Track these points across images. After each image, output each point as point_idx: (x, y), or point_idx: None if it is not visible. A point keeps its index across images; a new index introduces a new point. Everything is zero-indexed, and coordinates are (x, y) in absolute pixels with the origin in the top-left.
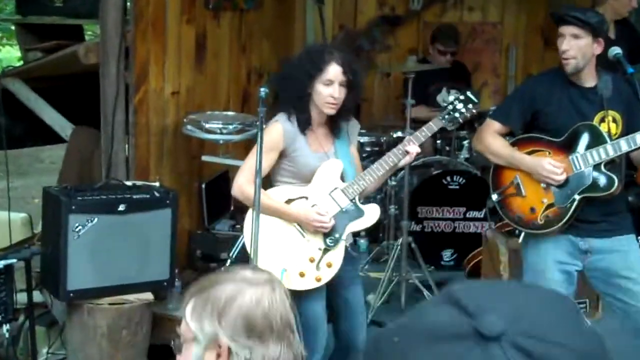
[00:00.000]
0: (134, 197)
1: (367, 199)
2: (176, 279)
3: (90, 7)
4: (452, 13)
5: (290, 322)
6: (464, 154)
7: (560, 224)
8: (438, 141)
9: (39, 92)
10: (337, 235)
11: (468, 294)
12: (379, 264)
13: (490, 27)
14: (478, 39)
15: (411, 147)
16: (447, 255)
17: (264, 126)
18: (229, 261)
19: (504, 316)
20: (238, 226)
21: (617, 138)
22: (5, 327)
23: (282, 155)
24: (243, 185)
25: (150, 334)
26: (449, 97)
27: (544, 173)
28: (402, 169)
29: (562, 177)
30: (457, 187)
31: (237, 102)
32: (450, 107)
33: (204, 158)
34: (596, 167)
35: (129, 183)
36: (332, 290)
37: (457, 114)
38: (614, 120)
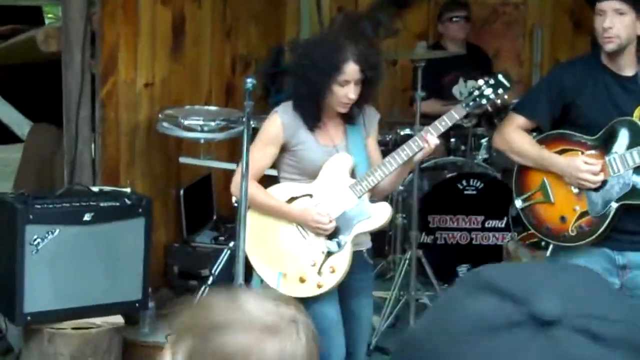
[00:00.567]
0: (102, 205)
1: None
2: (150, 300)
3: None
4: None
5: None
6: (482, 154)
7: (594, 236)
8: (452, 140)
9: None
10: (341, 238)
11: (506, 279)
12: (384, 281)
13: (512, 7)
14: (498, 21)
15: (429, 137)
16: (462, 270)
17: (251, 122)
18: (211, 278)
19: (556, 298)
20: (221, 238)
21: None
22: None
23: (284, 149)
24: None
25: None
26: (476, 82)
27: (578, 175)
28: (420, 162)
29: (600, 179)
30: (474, 192)
31: (220, 95)
32: (477, 91)
33: (182, 160)
34: (637, 169)
35: (95, 189)
36: (339, 297)
37: (484, 100)
38: None
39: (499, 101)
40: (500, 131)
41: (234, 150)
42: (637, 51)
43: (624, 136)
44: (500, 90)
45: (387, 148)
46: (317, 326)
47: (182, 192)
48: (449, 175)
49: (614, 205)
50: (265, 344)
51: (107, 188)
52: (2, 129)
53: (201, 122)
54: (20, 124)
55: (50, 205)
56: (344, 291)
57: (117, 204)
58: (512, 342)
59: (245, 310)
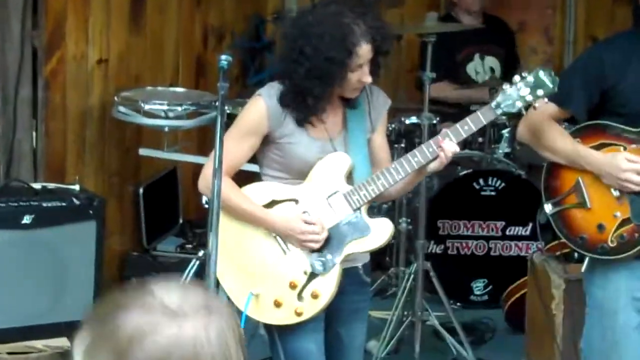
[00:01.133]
0: (44, 205)
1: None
2: None
3: None
4: None
5: None
6: (504, 148)
7: (638, 247)
8: None
9: None
10: (329, 257)
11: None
12: (385, 299)
13: None
14: None
15: (447, 143)
16: (478, 287)
17: (225, 107)
18: None
19: None
20: (189, 246)
21: None
22: None
23: (267, 140)
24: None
25: None
26: (514, 77)
27: (620, 174)
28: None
29: None
30: (494, 193)
31: (188, 75)
32: (511, 90)
33: (143, 152)
34: None
35: (37, 186)
36: (325, 321)
37: (519, 102)
38: None
39: (537, 105)
40: (527, 121)
41: (204, 140)
42: None
43: None
44: (540, 92)
45: (389, 139)
46: None
47: (141, 190)
48: (463, 172)
49: None
50: (163, 326)
51: (50, 185)
52: None
53: (165, 107)
54: None
55: None
56: (331, 315)
57: (63, 204)
58: None
59: (149, 293)
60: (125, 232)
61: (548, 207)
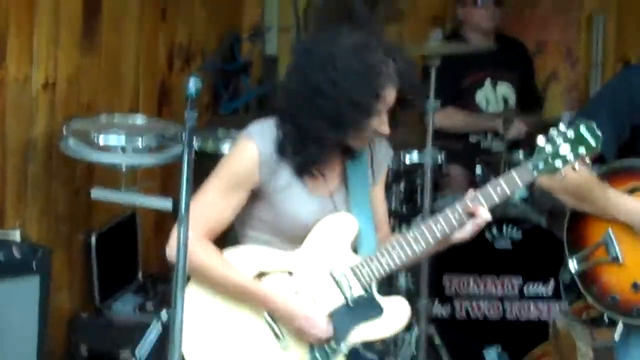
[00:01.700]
0: None
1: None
2: None
3: None
4: None
5: None
6: (521, 192)
7: None
8: (477, 168)
9: None
10: (333, 345)
11: None
12: None
13: None
14: (542, 4)
15: (479, 209)
16: (491, 355)
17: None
18: None
19: None
20: (150, 306)
21: None
22: None
23: (257, 196)
24: (192, 241)
25: None
26: (551, 132)
27: None
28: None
29: None
30: (509, 244)
31: (150, 102)
32: (549, 147)
33: (95, 193)
34: None
35: None
36: None
37: (558, 162)
38: None
39: (577, 165)
40: None
41: (168, 180)
42: None
43: None
44: (582, 150)
45: (385, 184)
46: None
47: (94, 239)
48: None
49: None
50: None
51: None
52: None
53: (123, 141)
54: None
55: None
56: None
57: (0, 255)
58: None
59: None
60: (74, 289)
61: (573, 264)
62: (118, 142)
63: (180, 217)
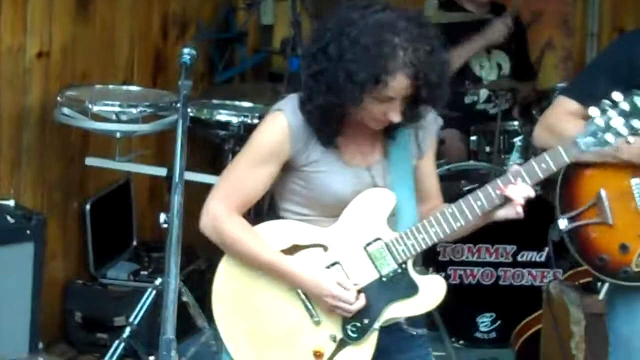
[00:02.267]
0: None
1: None
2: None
3: None
4: None
5: None
6: (516, 159)
7: None
8: (472, 137)
9: None
10: (365, 321)
11: None
12: None
13: None
14: None
15: (518, 188)
16: (485, 322)
17: (188, 109)
18: (127, 330)
19: None
20: (143, 272)
21: None
22: None
23: (288, 167)
24: (221, 215)
25: None
26: (602, 103)
27: None
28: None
29: None
30: None
31: (145, 71)
32: (600, 119)
33: (90, 161)
34: None
35: None
36: None
37: (611, 136)
38: None
39: (631, 140)
40: (547, 121)
41: (163, 148)
42: None
43: None
44: (637, 123)
45: None
46: None
47: (88, 207)
48: (468, 187)
49: None
50: None
51: None
52: None
53: (117, 109)
54: None
55: None
56: None
57: None
58: None
59: None
60: (69, 256)
61: (563, 223)
62: (112, 111)
63: (175, 185)
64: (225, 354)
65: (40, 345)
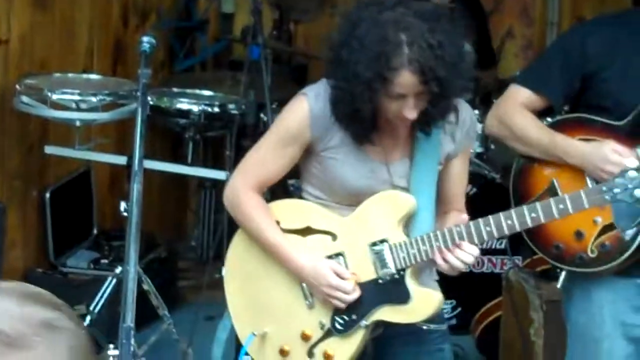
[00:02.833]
0: None
1: None
2: None
3: None
4: None
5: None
6: (476, 147)
7: (622, 258)
8: None
9: None
10: (353, 317)
11: None
12: None
13: None
14: None
15: (462, 254)
16: (445, 309)
17: (148, 98)
18: (88, 318)
19: None
20: (104, 261)
21: None
22: None
23: (310, 153)
24: (239, 190)
25: None
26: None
27: (605, 166)
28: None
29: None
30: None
31: (104, 60)
32: (621, 181)
33: (49, 150)
34: None
35: None
36: None
37: (627, 196)
38: None
39: None
40: (498, 110)
41: (123, 137)
42: None
43: None
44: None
45: None
46: None
47: (48, 195)
48: None
49: None
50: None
51: None
52: None
53: (77, 97)
54: None
55: None
56: None
57: None
58: None
59: None
60: (29, 245)
61: None
62: (72, 99)
63: (134, 173)
64: (227, 316)
65: None
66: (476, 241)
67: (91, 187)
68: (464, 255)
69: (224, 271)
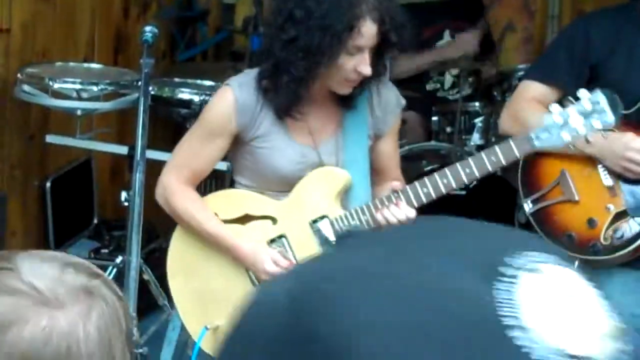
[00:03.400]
0: None
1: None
2: None
3: None
4: None
5: None
6: (476, 140)
7: (634, 246)
8: (434, 118)
9: None
10: None
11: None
12: None
13: None
14: None
15: (398, 211)
16: None
17: (149, 87)
18: None
19: None
20: (104, 250)
21: None
22: None
23: (239, 143)
24: (172, 187)
25: None
26: (564, 100)
27: (626, 153)
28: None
29: None
30: (464, 192)
31: (106, 49)
32: (559, 118)
33: (50, 139)
34: None
35: None
36: None
37: (566, 134)
38: None
39: (590, 137)
40: (511, 108)
41: (124, 126)
42: None
43: None
44: (596, 122)
45: None
46: None
47: (48, 184)
48: (429, 168)
49: None
50: (30, 316)
51: None
52: None
53: (78, 86)
54: None
55: None
56: None
57: None
58: None
59: (14, 272)
60: (29, 234)
61: (527, 205)
62: (73, 88)
63: (136, 163)
64: (176, 315)
65: None
66: (415, 204)
67: (92, 177)
68: (398, 212)
69: (167, 270)
